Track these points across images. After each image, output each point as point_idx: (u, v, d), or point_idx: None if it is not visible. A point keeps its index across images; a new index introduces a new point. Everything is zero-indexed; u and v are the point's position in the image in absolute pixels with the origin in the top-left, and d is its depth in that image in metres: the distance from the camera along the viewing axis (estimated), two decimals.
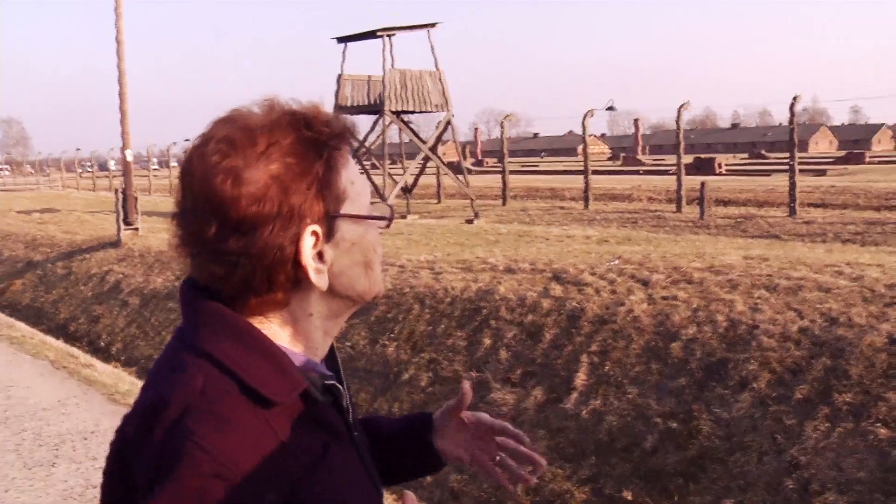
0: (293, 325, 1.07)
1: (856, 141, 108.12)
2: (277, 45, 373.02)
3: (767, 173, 36.77)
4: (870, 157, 56.94)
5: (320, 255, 1.04)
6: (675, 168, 20.64)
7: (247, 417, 0.97)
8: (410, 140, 23.55)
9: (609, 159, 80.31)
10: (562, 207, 22.38)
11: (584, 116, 22.42)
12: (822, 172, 36.83)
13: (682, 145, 20.07)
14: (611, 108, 28.94)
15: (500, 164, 26.29)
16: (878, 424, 5.04)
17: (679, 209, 18.96)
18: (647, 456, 5.72)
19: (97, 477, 5.42)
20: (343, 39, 22.82)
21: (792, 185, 17.37)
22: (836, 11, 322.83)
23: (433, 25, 22.03)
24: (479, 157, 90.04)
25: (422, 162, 24.50)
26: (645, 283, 7.65)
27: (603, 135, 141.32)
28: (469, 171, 29.09)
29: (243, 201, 0.98)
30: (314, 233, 1.02)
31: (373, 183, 20.60)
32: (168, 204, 21.30)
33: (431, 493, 6.29)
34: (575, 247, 11.32)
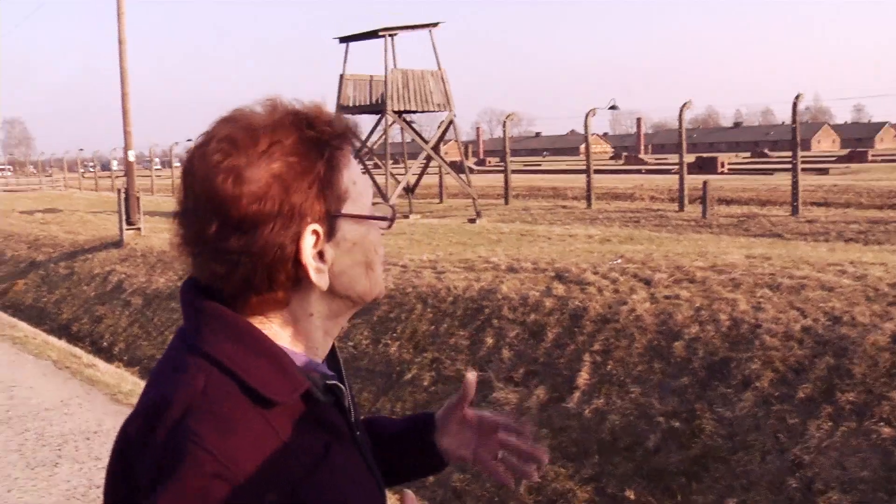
0: (294, 325, 1.07)
1: (858, 139, 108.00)
2: (279, 45, 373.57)
3: (770, 172, 36.73)
4: (873, 156, 56.85)
5: (321, 255, 1.04)
6: (677, 167, 20.62)
7: (248, 417, 0.97)
8: (412, 140, 23.54)
9: (611, 158, 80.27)
10: (564, 207, 22.38)
11: (587, 115, 22.41)
12: (824, 171, 36.79)
13: (684, 144, 20.05)
14: (613, 108, 28.93)
15: (502, 164, 26.27)
16: (882, 423, 5.03)
17: (681, 208, 18.94)
18: (650, 455, 5.72)
19: (100, 477, 5.43)
20: (345, 39, 22.82)
21: (794, 184, 17.35)
22: (836, 11, 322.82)
23: (435, 25, 22.02)
24: (482, 156, 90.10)
25: (424, 161, 24.48)
26: (647, 283, 7.64)
27: (605, 134, 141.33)
28: (471, 171, 29.08)
29: (244, 200, 0.98)
30: (315, 232, 1.02)
31: (375, 183, 20.59)
32: (170, 204, 21.30)
33: (434, 493, 6.29)
34: (577, 246, 11.32)
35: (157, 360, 1.08)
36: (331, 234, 1.05)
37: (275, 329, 1.05)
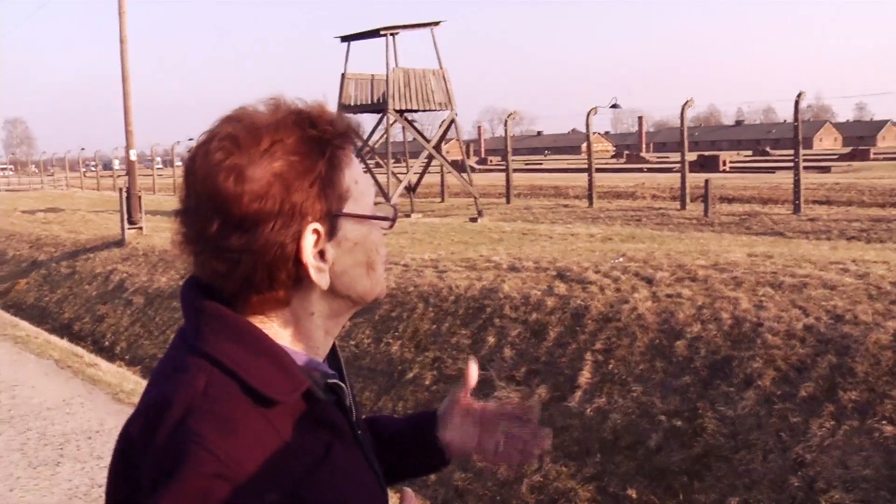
0: (294, 325, 1.07)
1: (861, 137, 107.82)
2: (280, 44, 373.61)
3: (772, 170, 36.71)
4: (875, 154, 56.85)
5: (322, 254, 1.04)
6: (679, 165, 20.61)
7: (249, 417, 0.97)
8: (414, 139, 23.55)
9: (613, 157, 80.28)
10: (566, 205, 22.37)
11: (588, 114, 22.40)
12: (826, 169, 36.79)
13: (685, 143, 20.05)
14: (614, 106, 28.87)
15: (503, 163, 26.26)
16: (884, 422, 5.02)
17: (683, 207, 18.94)
18: (652, 454, 5.72)
19: (102, 476, 5.44)
20: (346, 38, 22.81)
21: (796, 183, 17.34)
22: (836, 11, 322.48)
23: (436, 24, 22.00)
24: (483, 155, 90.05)
25: (425, 160, 24.47)
26: (649, 281, 7.64)
27: (606, 133, 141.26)
28: (473, 170, 29.07)
29: (245, 198, 0.98)
30: (315, 231, 1.02)
31: (377, 182, 20.59)
32: (172, 203, 21.30)
33: (436, 492, 6.29)
34: (579, 245, 11.32)
35: (159, 360, 1.09)
36: (332, 233, 1.05)
37: (275, 328, 1.05)
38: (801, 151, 17.80)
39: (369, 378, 8.13)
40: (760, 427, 5.44)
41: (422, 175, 25.63)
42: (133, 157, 18.88)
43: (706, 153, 50.25)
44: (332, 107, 1.11)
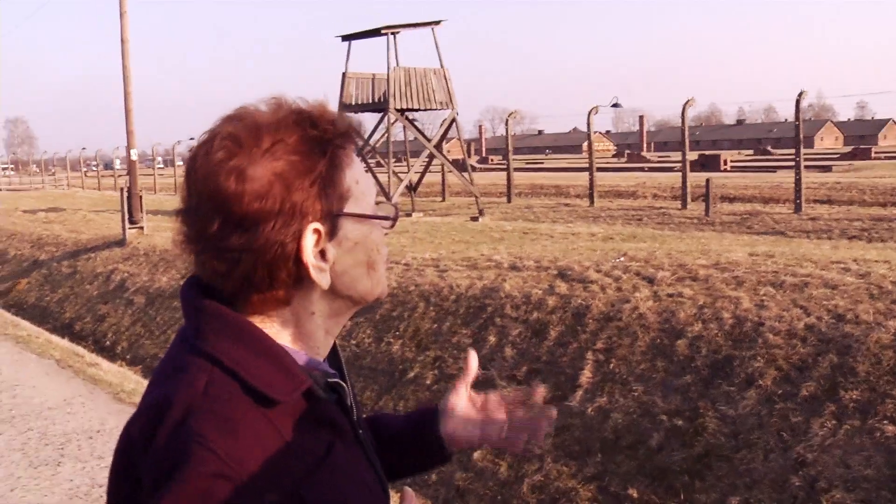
0: (295, 324, 1.07)
1: (862, 136, 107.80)
2: (280, 44, 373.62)
3: (773, 170, 36.68)
4: (876, 153, 56.80)
5: (322, 254, 1.04)
6: (680, 165, 20.60)
7: (250, 417, 0.97)
8: (415, 138, 23.54)
9: (614, 156, 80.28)
10: (567, 205, 22.37)
11: (589, 113, 22.39)
12: (827, 168, 36.76)
13: (686, 142, 20.04)
14: (616, 105, 28.88)
15: (504, 162, 26.26)
16: (886, 422, 5.02)
17: (684, 206, 18.93)
18: (653, 453, 5.71)
19: (103, 476, 5.44)
20: (347, 38, 22.82)
21: (797, 182, 17.33)
22: (836, 11, 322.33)
23: (437, 23, 22.00)
24: (484, 154, 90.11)
25: (426, 160, 24.47)
26: (650, 281, 7.63)
27: (608, 132, 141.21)
28: (474, 169, 29.08)
29: (246, 198, 0.98)
30: (316, 230, 1.02)
31: (378, 181, 20.59)
32: (173, 202, 21.30)
33: (437, 492, 6.29)
34: (580, 244, 11.32)
35: (160, 360, 1.09)
36: (333, 233, 1.04)
37: (276, 328, 1.05)
38: (803, 150, 17.78)
39: (370, 377, 8.13)
40: (762, 426, 5.43)
41: (423, 174, 25.63)
42: (134, 157, 18.89)
43: (707, 152, 50.25)
44: (333, 106, 1.11)
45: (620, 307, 7.20)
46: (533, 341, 7.35)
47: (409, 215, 20.06)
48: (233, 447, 0.94)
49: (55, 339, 11.45)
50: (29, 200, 34.21)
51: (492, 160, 70.71)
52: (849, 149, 65.61)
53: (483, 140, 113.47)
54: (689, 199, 19.03)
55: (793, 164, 18.31)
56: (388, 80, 21.08)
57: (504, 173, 25.40)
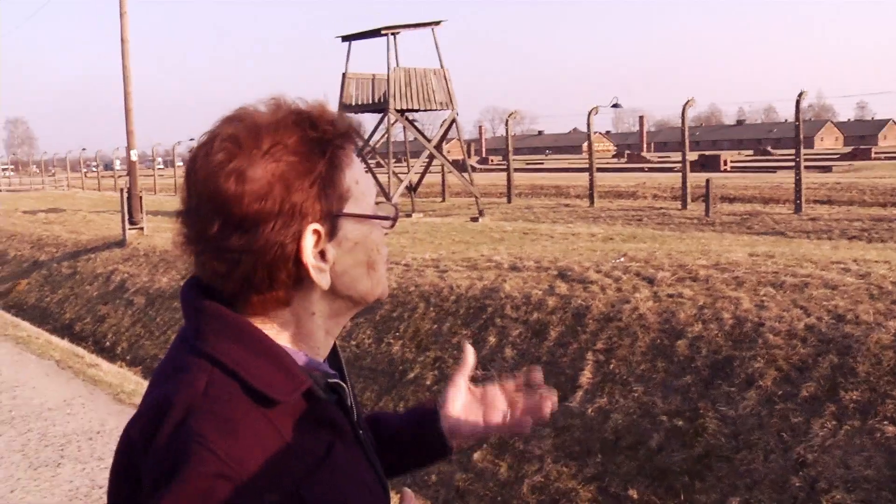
0: (296, 325, 1.07)
1: (862, 137, 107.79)
2: (280, 44, 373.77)
3: (773, 170, 36.68)
4: (876, 153, 56.81)
5: (322, 254, 1.04)
6: (680, 165, 20.60)
7: (250, 417, 0.97)
8: (415, 138, 23.55)
9: (614, 157, 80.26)
10: (567, 205, 22.38)
11: (589, 114, 22.40)
12: (827, 169, 36.76)
13: (687, 142, 20.04)
14: (616, 106, 28.89)
15: (504, 162, 26.27)
16: (886, 422, 5.02)
17: (684, 206, 18.93)
18: (653, 454, 5.71)
19: (103, 477, 5.43)
20: (347, 38, 22.82)
21: (798, 182, 17.33)
22: (836, 11, 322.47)
23: (437, 24, 22.00)
24: (484, 154, 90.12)
25: (426, 160, 24.48)
26: (650, 281, 7.63)
27: (608, 132, 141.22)
28: (474, 169, 29.08)
29: (246, 199, 0.98)
30: (316, 231, 1.02)
31: (377, 181, 20.60)
32: (173, 203, 21.31)
33: (437, 492, 6.29)
34: (580, 244, 11.32)
35: (160, 361, 1.09)
36: (332, 233, 1.04)
37: (276, 328, 1.05)
38: (803, 151, 17.79)
39: (370, 378, 8.13)
40: (762, 427, 5.43)
41: (423, 175, 25.63)
42: (134, 158, 18.89)
43: (707, 153, 50.26)
44: (333, 106, 1.11)
45: (620, 308, 7.20)
46: (533, 342, 7.35)
47: (409, 216, 20.06)
48: (233, 447, 0.94)
49: (55, 339, 11.45)
50: (29, 201, 34.22)
51: (492, 160, 70.71)
52: (849, 149, 65.63)
53: (483, 140, 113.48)
54: (689, 200, 19.03)
55: (793, 164, 18.31)
56: (388, 80, 21.08)
57: (504, 174, 25.41)
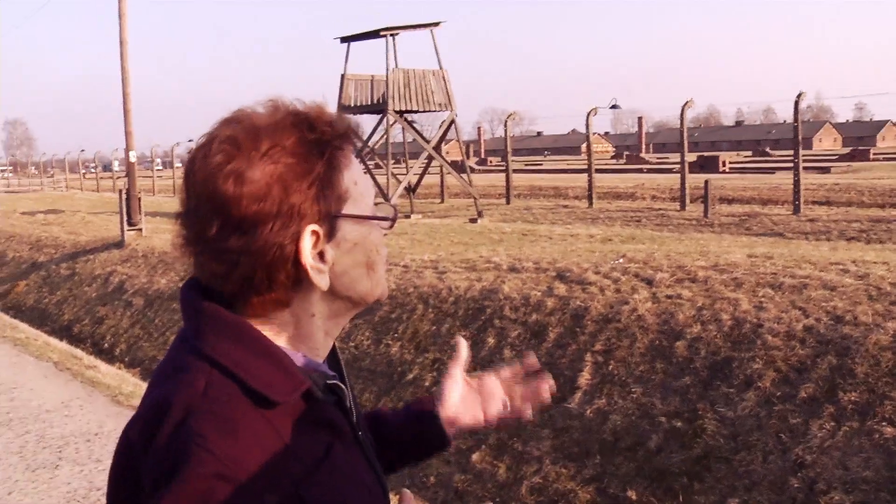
0: (295, 326, 1.07)
1: (860, 138, 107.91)
2: (280, 45, 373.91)
3: (771, 171, 36.73)
4: (874, 154, 56.86)
5: (321, 255, 1.04)
6: (678, 166, 20.62)
7: (249, 418, 0.97)
8: (414, 139, 23.54)
9: (613, 158, 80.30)
10: (565, 206, 22.38)
11: (588, 115, 22.41)
12: (826, 170, 36.81)
13: (685, 143, 20.05)
14: (614, 107, 28.91)
15: (503, 163, 26.29)
16: (885, 423, 5.02)
17: (683, 207, 18.94)
18: (652, 455, 5.71)
19: (101, 479, 5.43)
20: (346, 39, 22.82)
21: (796, 183, 17.35)
22: (836, 11, 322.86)
23: (436, 25, 22.01)
24: (483, 155, 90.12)
25: (425, 161, 24.48)
26: (649, 282, 7.63)
27: (606, 133, 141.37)
28: (472, 170, 29.07)
29: (244, 200, 0.98)
30: (314, 232, 1.02)
31: (376, 182, 20.60)
32: (171, 204, 21.35)
33: (435, 493, 6.29)
34: (579, 246, 11.32)
35: (159, 362, 1.09)
36: (331, 234, 1.04)
37: (275, 329, 1.05)
38: (801, 152, 17.81)
39: (369, 379, 8.13)
40: (760, 428, 5.43)
41: (421, 176, 25.64)
42: (133, 159, 18.88)
43: (706, 154, 50.31)
44: (332, 108, 1.11)
45: (619, 309, 7.20)
46: (532, 343, 7.35)
47: (407, 217, 20.06)
48: (232, 448, 0.94)
49: (53, 341, 11.44)
50: (27, 202, 34.19)
51: (490, 161, 70.71)
52: (847, 150, 65.72)
53: (482, 141, 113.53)
54: (687, 201, 19.04)
55: (791, 165, 18.32)
56: (387, 81, 21.09)
57: (503, 175, 25.42)
